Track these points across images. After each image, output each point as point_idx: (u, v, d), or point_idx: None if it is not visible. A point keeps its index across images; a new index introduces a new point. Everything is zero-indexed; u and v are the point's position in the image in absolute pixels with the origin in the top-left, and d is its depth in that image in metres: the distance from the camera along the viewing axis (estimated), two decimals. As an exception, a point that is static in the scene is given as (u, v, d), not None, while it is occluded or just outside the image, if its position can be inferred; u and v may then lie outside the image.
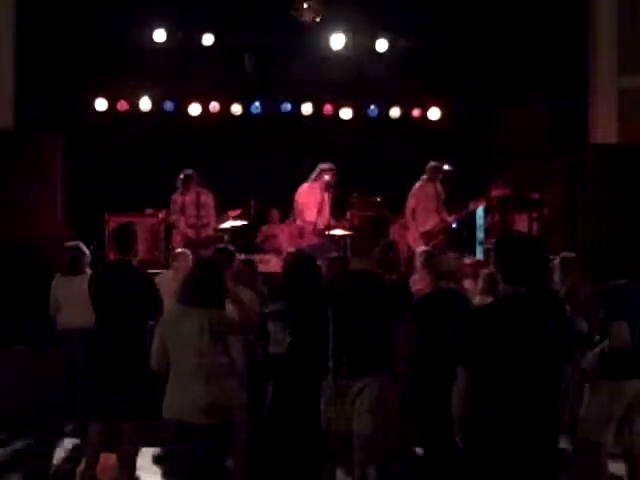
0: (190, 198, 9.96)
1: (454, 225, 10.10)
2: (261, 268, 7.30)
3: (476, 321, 3.98)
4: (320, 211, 9.75)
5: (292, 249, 9.11)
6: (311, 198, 9.76)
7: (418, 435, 5.84)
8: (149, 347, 5.12)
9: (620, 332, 5.02)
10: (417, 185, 9.78)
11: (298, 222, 9.89)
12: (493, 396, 3.81)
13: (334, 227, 9.56)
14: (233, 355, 5.09)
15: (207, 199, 10.01)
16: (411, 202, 9.74)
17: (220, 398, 4.85)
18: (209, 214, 10.04)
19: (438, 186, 9.77)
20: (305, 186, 9.87)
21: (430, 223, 9.66)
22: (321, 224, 9.71)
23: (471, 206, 9.84)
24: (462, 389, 3.90)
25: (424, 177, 9.77)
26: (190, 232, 9.92)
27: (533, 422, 3.80)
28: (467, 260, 7.44)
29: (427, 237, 9.52)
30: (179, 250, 7.66)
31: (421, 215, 9.71)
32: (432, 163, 9.78)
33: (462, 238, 10.32)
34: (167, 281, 6.76)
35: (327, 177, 9.73)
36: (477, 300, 6.08)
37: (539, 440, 3.82)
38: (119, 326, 5.63)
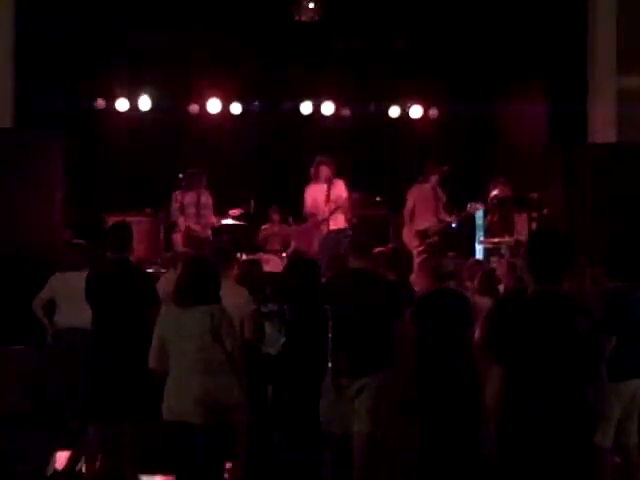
0: (190, 198, 9.98)
1: (453, 225, 10.12)
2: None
3: (512, 318, 3.90)
4: (327, 203, 9.77)
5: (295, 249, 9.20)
6: (318, 194, 9.79)
7: (419, 435, 5.84)
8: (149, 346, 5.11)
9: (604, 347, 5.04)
10: (414, 186, 9.84)
11: (309, 222, 9.90)
12: (527, 394, 3.77)
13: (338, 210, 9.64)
14: (233, 354, 5.09)
15: (207, 200, 10.04)
16: (408, 203, 9.80)
17: (219, 397, 4.85)
18: (208, 214, 10.07)
19: (437, 187, 9.80)
20: (310, 186, 9.88)
21: (426, 223, 9.69)
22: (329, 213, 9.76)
23: (469, 209, 9.86)
24: (497, 388, 3.83)
25: (421, 178, 9.81)
26: (190, 230, 9.93)
27: (568, 422, 3.76)
28: (466, 260, 7.47)
29: (422, 236, 9.56)
30: (181, 250, 7.63)
31: (418, 216, 9.76)
32: (430, 164, 9.81)
33: (461, 238, 10.33)
34: (171, 282, 6.73)
35: (324, 170, 9.76)
36: (474, 300, 6.10)
37: (574, 439, 3.78)
38: (117, 325, 5.63)
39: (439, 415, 5.58)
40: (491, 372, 3.85)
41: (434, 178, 9.78)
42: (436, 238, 9.45)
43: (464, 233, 10.49)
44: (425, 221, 9.71)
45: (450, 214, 9.84)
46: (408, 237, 9.71)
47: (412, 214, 9.77)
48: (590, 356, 3.86)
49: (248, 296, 5.90)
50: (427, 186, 9.78)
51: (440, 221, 9.73)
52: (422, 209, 9.73)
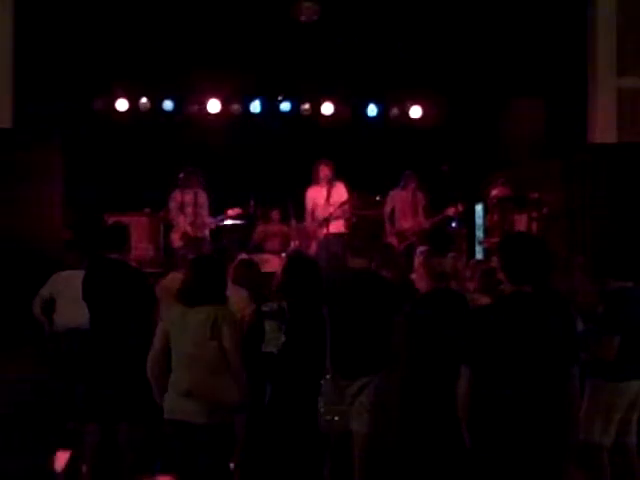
0: (189, 197, 9.98)
1: (453, 224, 10.19)
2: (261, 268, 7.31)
3: (481, 319, 3.96)
4: (327, 205, 9.80)
5: (295, 248, 9.20)
6: (318, 197, 9.81)
7: (416, 434, 5.83)
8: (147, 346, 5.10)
9: (608, 346, 5.04)
10: (392, 192, 10.12)
11: (309, 223, 9.92)
12: (497, 395, 3.80)
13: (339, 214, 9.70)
14: (234, 355, 5.08)
15: (203, 199, 10.05)
16: (386, 208, 10.09)
17: (220, 397, 4.85)
18: (205, 214, 10.08)
19: (416, 192, 10.04)
20: (311, 188, 9.90)
21: (405, 225, 9.86)
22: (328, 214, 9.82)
23: (447, 212, 9.99)
24: (464, 388, 3.89)
25: (400, 184, 10.08)
26: (189, 230, 9.93)
27: (538, 422, 3.79)
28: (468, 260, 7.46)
29: (401, 238, 9.70)
30: (181, 253, 7.60)
31: (398, 219, 10.03)
32: (408, 173, 10.08)
33: (450, 235, 10.38)
34: (177, 281, 6.71)
35: (324, 171, 9.79)
36: (473, 299, 6.08)
37: (545, 439, 3.80)
38: (115, 326, 5.63)
39: (436, 414, 5.57)
40: (460, 372, 3.91)
41: (412, 185, 10.04)
42: (412, 239, 9.58)
43: (461, 232, 10.51)
44: (403, 222, 9.90)
45: (431, 216, 10.01)
46: (389, 239, 9.82)
47: (390, 217, 10.03)
48: (560, 357, 3.87)
49: (248, 296, 5.91)
50: (403, 193, 10.13)
51: (416, 224, 9.93)
52: (402, 213, 10.01)
